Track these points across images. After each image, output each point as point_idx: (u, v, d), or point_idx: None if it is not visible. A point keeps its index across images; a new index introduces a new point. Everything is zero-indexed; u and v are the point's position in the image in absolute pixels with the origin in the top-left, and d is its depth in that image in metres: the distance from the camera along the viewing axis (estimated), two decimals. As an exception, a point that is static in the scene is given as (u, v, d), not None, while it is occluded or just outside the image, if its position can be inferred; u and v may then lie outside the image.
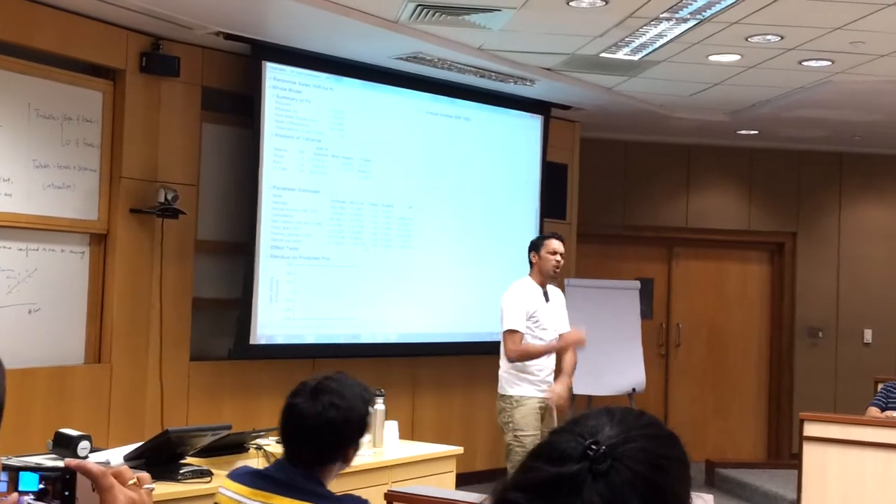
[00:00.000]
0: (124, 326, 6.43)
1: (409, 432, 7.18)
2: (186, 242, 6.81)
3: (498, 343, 6.30)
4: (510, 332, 6.15)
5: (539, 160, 8.85)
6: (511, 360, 6.16)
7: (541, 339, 6.20)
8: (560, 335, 6.26)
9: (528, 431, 6.07)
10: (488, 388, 8.54)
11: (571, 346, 6.23)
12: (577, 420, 1.27)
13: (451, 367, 8.31)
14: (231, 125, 7.16)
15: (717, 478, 9.10)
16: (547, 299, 6.30)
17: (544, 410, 6.17)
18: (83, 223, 6.31)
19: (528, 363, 6.15)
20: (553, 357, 6.31)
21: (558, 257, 6.24)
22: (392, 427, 5.27)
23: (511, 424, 6.11)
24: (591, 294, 8.78)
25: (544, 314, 6.24)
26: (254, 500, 2.84)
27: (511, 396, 6.17)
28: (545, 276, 6.29)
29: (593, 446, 1.19)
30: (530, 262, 6.34)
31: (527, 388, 6.15)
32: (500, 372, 6.26)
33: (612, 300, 8.91)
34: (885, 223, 10.79)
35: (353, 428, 2.87)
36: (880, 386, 7.43)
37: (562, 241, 6.34)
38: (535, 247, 6.32)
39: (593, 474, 1.18)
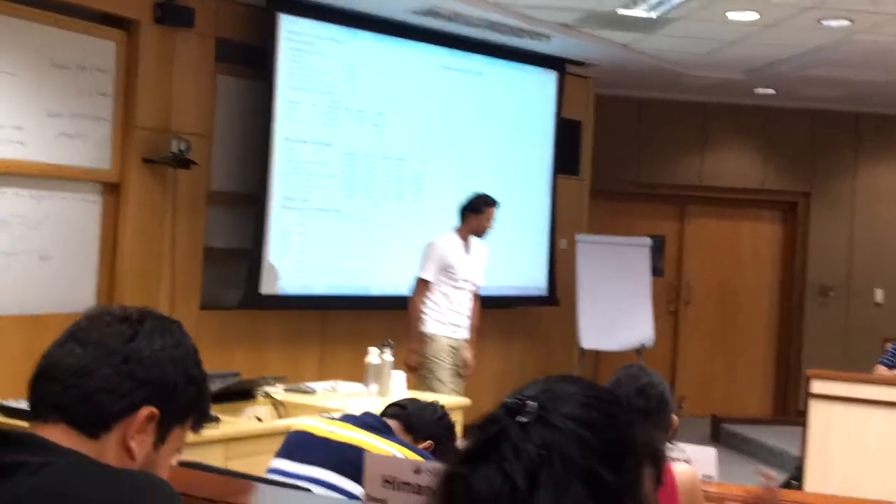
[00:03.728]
0: (135, 275, 6.49)
1: (416, 383, 7.23)
2: (198, 193, 6.85)
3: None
4: (419, 281, 6.63)
5: (553, 116, 8.83)
6: (409, 306, 6.64)
7: (455, 288, 6.66)
8: (411, 342, 6.59)
9: (437, 360, 6.62)
10: (497, 340, 8.61)
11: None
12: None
13: (461, 320, 8.34)
14: (244, 77, 7.17)
15: (723, 433, 9.15)
16: (468, 252, 6.71)
17: (456, 350, 6.71)
18: (96, 172, 6.35)
19: (442, 307, 6.63)
20: (466, 302, 6.73)
21: (493, 224, 6.76)
22: (399, 377, 5.33)
23: (425, 360, 6.60)
24: (602, 250, 8.81)
25: (462, 266, 6.67)
26: None
27: (424, 334, 6.62)
28: (472, 235, 6.72)
29: (516, 403, 1.22)
30: (463, 219, 6.71)
31: (438, 326, 6.63)
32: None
33: (623, 257, 8.93)
34: (900, 184, 10.74)
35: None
36: (888, 345, 7.44)
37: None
38: (475, 208, 6.70)
39: (521, 426, 1.20)
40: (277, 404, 4.96)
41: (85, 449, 1.50)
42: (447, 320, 6.66)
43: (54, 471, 1.44)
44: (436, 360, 6.63)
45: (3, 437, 1.48)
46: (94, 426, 1.52)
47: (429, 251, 6.65)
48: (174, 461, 1.64)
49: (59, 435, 1.51)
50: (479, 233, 6.73)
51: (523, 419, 1.20)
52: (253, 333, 7.01)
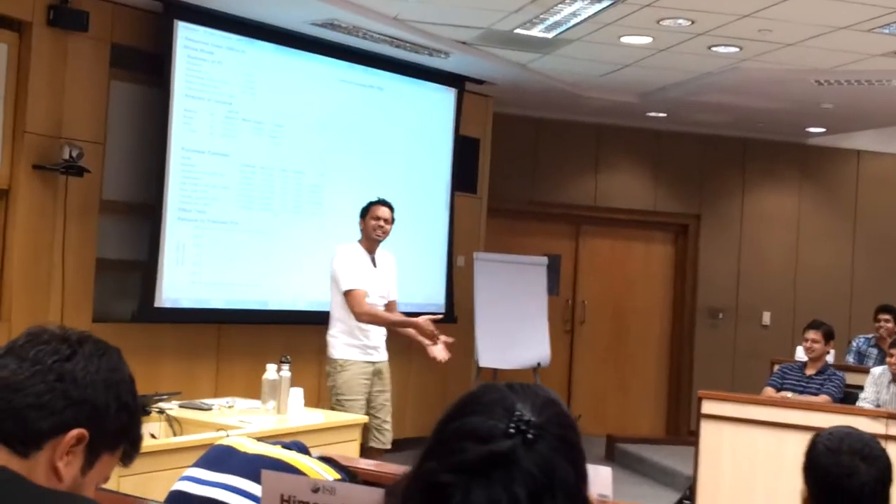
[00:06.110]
0: (24, 285, 6.28)
1: (315, 400, 7.16)
2: (91, 201, 6.67)
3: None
4: (351, 293, 6.06)
5: (451, 133, 8.86)
6: (362, 321, 6.07)
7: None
8: (415, 322, 6.14)
9: (350, 396, 6.04)
10: (394, 358, 8.55)
11: (421, 333, 6.13)
12: (480, 397, 1.34)
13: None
14: (140, 84, 7.01)
15: (617, 452, 9.25)
16: (375, 265, 6.25)
17: (373, 375, 6.16)
18: (-17, 178, 6.14)
19: (352, 327, 6.09)
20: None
21: (381, 223, 6.19)
22: (297, 394, 5.24)
23: (334, 388, 6.03)
24: (498, 269, 8.83)
25: (370, 281, 6.17)
26: None
27: (336, 360, 6.10)
28: (371, 242, 6.22)
29: (522, 423, 1.29)
30: (361, 229, 6.25)
31: (352, 352, 6.11)
32: (328, 335, 6.19)
33: (519, 275, 8.97)
34: (784, 209, 11.05)
35: None
36: (776, 367, 7.63)
37: (389, 207, 6.26)
38: (362, 213, 6.24)
39: (526, 446, 1.27)
40: (172, 420, 4.85)
41: (14, 466, 1.47)
42: (360, 343, 6.12)
43: None
44: (346, 396, 6.02)
45: None
46: (23, 443, 1.49)
47: (339, 262, 6.12)
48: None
49: None
50: (372, 237, 6.20)
51: (530, 440, 1.28)
52: (147, 347, 6.84)
